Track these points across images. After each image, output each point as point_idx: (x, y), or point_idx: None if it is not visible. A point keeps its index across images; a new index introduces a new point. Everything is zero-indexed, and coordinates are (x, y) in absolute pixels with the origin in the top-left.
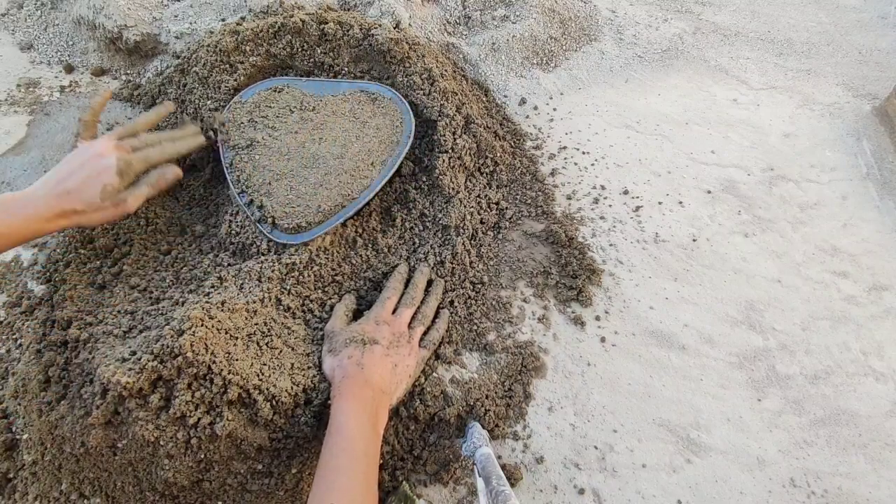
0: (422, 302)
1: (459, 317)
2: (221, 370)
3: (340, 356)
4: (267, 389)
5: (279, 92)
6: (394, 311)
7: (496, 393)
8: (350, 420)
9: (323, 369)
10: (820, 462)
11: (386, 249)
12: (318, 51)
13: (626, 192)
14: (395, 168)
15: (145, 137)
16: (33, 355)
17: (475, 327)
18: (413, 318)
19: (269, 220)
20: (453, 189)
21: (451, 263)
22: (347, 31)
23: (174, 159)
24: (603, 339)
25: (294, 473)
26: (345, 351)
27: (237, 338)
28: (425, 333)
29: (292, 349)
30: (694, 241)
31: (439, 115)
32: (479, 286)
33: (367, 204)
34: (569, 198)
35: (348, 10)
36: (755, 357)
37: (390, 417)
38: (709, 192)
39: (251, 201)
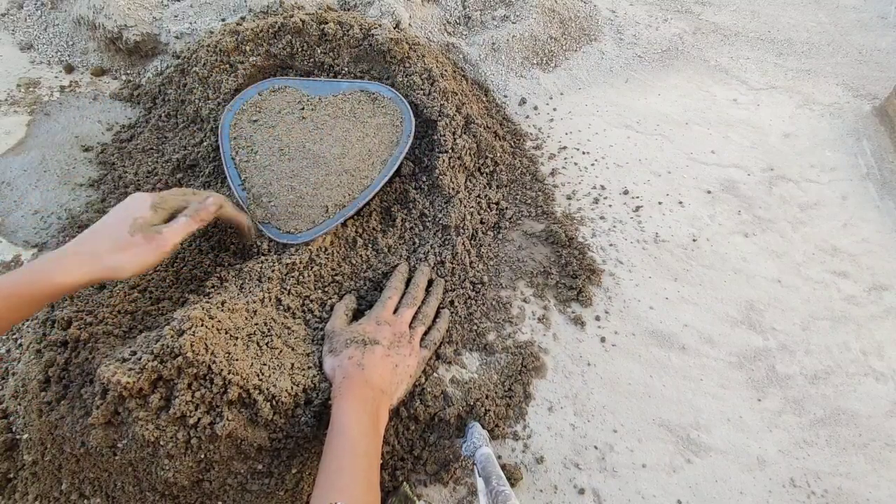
0: (422, 302)
1: (459, 317)
2: (221, 370)
3: (341, 356)
4: (267, 389)
5: (280, 92)
6: (395, 311)
7: (496, 393)
8: (351, 420)
9: (323, 369)
10: (820, 462)
11: (386, 249)
12: (318, 51)
13: (626, 192)
14: (395, 168)
15: (180, 189)
16: (33, 355)
17: (475, 327)
18: (414, 317)
19: (270, 219)
20: (453, 189)
21: (451, 263)
22: (347, 31)
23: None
24: (603, 339)
25: (294, 473)
26: (345, 351)
27: (237, 338)
28: (426, 333)
29: (292, 349)
30: (694, 241)
31: (439, 115)
32: (479, 286)
33: (368, 204)
34: (569, 198)
35: (348, 10)
36: (755, 357)
37: (390, 417)
38: (709, 192)
39: (252, 201)
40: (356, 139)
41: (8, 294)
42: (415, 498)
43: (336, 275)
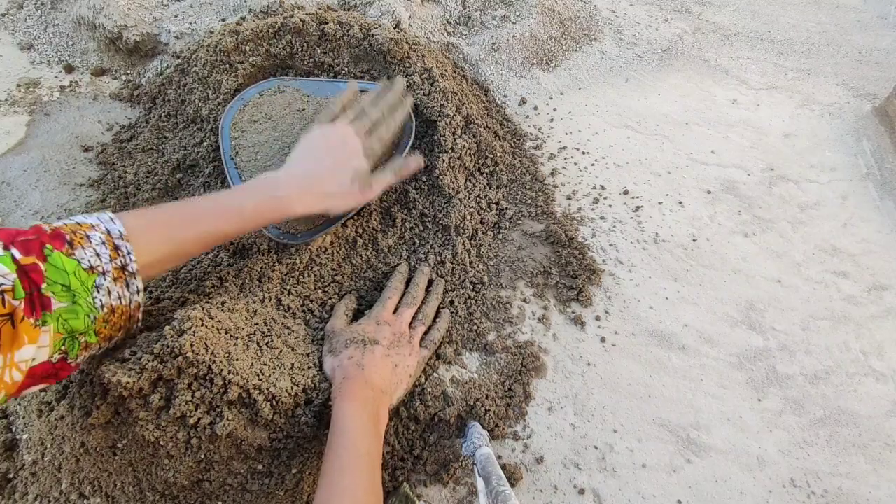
0: (423, 302)
1: (459, 317)
2: (221, 370)
3: (340, 357)
4: (267, 389)
5: (280, 92)
6: (395, 311)
7: (496, 393)
8: (352, 421)
9: (323, 369)
10: (820, 462)
11: (386, 249)
12: (318, 51)
13: (626, 192)
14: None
15: (372, 114)
16: None
17: (475, 327)
18: (414, 317)
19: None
20: (453, 189)
21: (451, 263)
22: (347, 31)
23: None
24: (603, 339)
25: (294, 473)
26: (345, 352)
27: (237, 338)
28: (426, 333)
29: (292, 349)
30: (694, 241)
31: (439, 115)
32: (479, 286)
33: (368, 204)
34: (569, 198)
35: (348, 10)
36: (755, 357)
37: (391, 418)
38: (709, 192)
39: None
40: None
41: (254, 214)
42: (415, 498)
43: (336, 275)
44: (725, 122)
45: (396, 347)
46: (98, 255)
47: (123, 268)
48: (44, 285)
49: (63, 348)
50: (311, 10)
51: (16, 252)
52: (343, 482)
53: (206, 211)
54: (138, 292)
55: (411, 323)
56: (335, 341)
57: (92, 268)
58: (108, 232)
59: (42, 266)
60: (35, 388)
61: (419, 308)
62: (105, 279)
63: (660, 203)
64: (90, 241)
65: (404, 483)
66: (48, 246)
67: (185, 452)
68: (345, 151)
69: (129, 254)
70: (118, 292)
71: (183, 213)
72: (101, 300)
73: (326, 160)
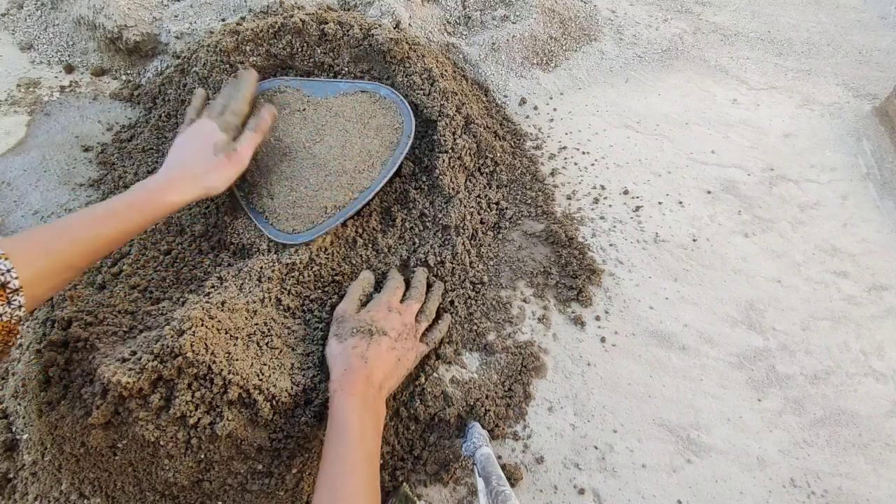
0: (425, 299)
1: (459, 317)
2: (221, 370)
3: (345, 344)
4: (267, 389)
5: (280, 93)
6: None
7: (496, 393)
8: (352, 419)
9: (326, 352)
10: (820, 462)
11: (386, 249)
12: (318, 51)
13: (626, 192)
14: (395, 168)
15: (217, 100)
16: (33, 355)
17: (475, 327)
18: (418, 313)
19: (271, 220)
20: (453, 189)
21: (451, 263)
22: (347, 31)
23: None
24: (603, 339)
25: (294, 473)
26: (350, 340)
27: (237, 338)
28: (428, 330)
29: (292, 349)
30: (694, 241)
31: (439, 115)
32: (479, 286)
33: (368, 204)
34: (569, 198)
35: (348, 10)
36: (755, 357)
37: (391, 417)
38: (709, 192)
39: (252, 202)
40: (356, 140)
41: (127, 211)
42: (415, 498)
43: (336, 275)
44: (725, 122)
45: (403, 340)
46: None
47: (4, 285)
48: None
49: None
50: (311, 10)
51: None
52: (343, 489)
53: (79, 219)
54: (20, 307)
55: (416, 317)
56: (343, 327)
57: None
58: None
59: None
60: None
61: (422, 305)
62: None
63: (660, 203)
64: None
65: (404, 483)
66: None
67: (185, 452)
68: (201, 135)
69: (8, 271)
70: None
71: (58, 225)
72: None
73: (187, 149)
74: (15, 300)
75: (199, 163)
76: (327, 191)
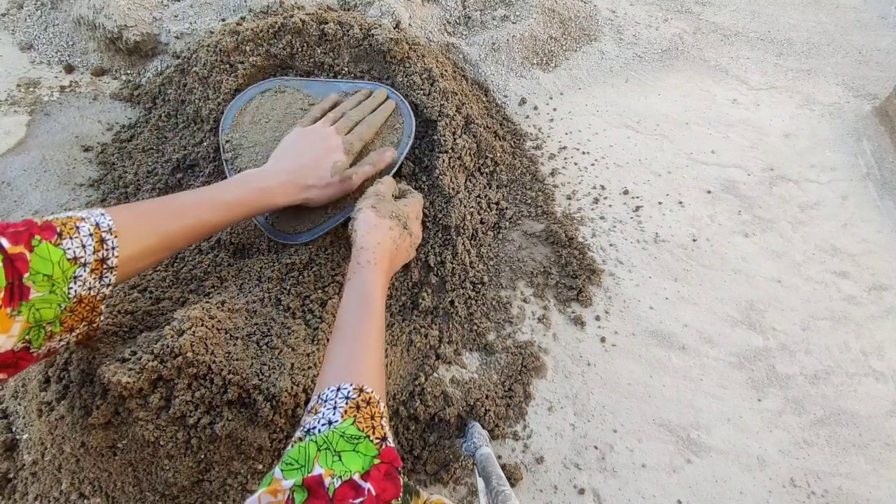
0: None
1: (459, 317)
2: (221, 370)
3: (383, 220)
4: (267, 389)
5: (280, 93)
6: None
7: (496, 393)
8: (378, 294)
9: (355, 215)
10: (820, 462)
11: None
12: (318, 51)
13: (626, 192)
14: (396, 169)
15: (352, 115)
16: None
17: (475, 327)
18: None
19: (272, 220)
20: (453, 189)
21: (451, 263)
22: (347, 31)
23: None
24: (603, 339)
25: None
26: (388, 221)
27: (237, 338)
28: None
29: (292, 349)
30: (694, 241)
31: (439, 115)
32: (479, 286)
33: None
34: (569, 198)
35: (348, 10)
36: (755, 357)
37: (390, 417)
38: (709, 192)
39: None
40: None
41: (236, 206)
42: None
43: (336, 275)
44: (725, 122)
45: (412, 249)
46: (83, 245)
47: (104, 260)
48: (26, 274)
49: (27, 337)
50: (311, 10)
51: (4, 241)
52: (364, 363)
53: (191, 204)
54: (108, 286)
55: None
56: (383, 204)
57: (75, 258)
58: (98, 224)
59: (28, 255)
60: None
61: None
62: (84, 270)
63: (660, 203)
64: (78, 232)
65: (403, 475)
66: (37, 237)
67: (185, 452)
68: (324, 147)
69: (113, 248)
70: (91, 283)
71: (169, 206)
72: (75, 290)
73: (307, 155)
74: (107, 277)
75: (313, 175)
76: None
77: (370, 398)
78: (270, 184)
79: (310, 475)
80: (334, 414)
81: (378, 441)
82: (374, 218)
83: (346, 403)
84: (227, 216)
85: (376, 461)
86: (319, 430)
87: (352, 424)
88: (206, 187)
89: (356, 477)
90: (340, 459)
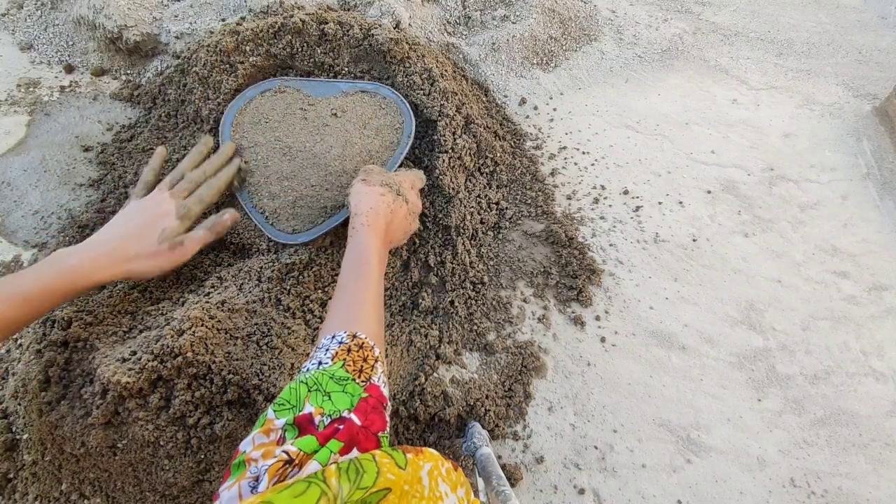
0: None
1: (459, 317)
2: (221, 370)
3: (373, 188)
4: (267, 389)
5: (280, 93)
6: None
7: (496, 393)
8: (374, 254)
9: (349, 192)
10: (820, 462)
11: None
12: (318, 51)
13: (626, 192)
14: (395, 168)
15: (192, 177)
16: (33, 355)
17: (475, 327)
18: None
19: (272, 220)
20: (453, 189)
21: (452, 263)
22: (347, 31)
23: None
24: (603, 339)
25: None
26: (378, 188)
27: (237, 338)
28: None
29: (292, 349)
30: (694, 241)
31: (439, 115)
32: (479, 286)
33: None
34: (569, 198)
35: (348, 10)
36: (755, 357)
37: (390, 417)
38: (709, 192)
39: (253, 201)
40: (357, 140)
41: (49, 287)
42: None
43: (336, 275)
44: (725, 122)
45: (412, 218)
46: None
47: None
48: None
49: None
50: (311, 10)
51: None
52: (363, 313)
53: None
54: None
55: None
56: (372, 175)
57: None
58: None
59: None
60: None
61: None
62: None
63: (660, 203)
64: None
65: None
66: None
67: (185, 453)
68: (153, 214)
69: None
70: None
71: None
72: None
73: (132, 224)
74: None
75: (136, 245)
76: (328, 191)
77: (363, 343)
78: (82, 260)
79: (301, 413)
80: (325, 356)
81: (363, 383)
82: (363, 187)
83: (339, 347)
84: (33, 310)
85: (364, 395)
86: (310, 371)
87: (341, 367)
88: (8, 278)
89: (345, 413)
90: (330, 398)
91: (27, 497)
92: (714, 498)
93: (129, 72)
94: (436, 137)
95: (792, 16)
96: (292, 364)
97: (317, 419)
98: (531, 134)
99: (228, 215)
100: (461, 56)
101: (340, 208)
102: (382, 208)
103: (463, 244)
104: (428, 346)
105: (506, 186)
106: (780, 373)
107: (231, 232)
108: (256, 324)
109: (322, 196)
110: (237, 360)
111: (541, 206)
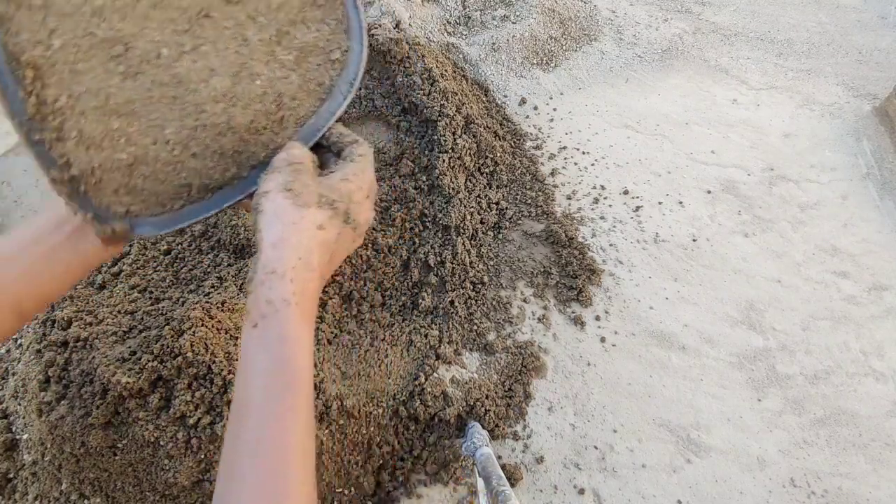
0: None
1: (459, 317)
2: (221, 370)
3: (305, 217)
4: None
5: None
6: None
7: (496, 393)
8: (306, 358)
9: (258, 204)
10: (820, 462)
11: (386, 249)
12: None
13: (626, 192)
14: (320, 135)
15: None
16: (33, 355)
17: (475, 327)
18: None
19: (85, 184)
20: (453, 189)
21: (451, 263)
22: None
23: None
24: (603, 339)
25: None
26: (315, 214)
27: (237, 338)
28: None
29: None
30: (694, 241)
31: (439, 115)
32: (479, 286)
33: None
34: (569, 198)
35: None
36: (755, 357)
37: (390, 417)
38: (709, 192)
39: (45, 145)
40: (260, 66)
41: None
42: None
43: (336, 275)
44: (725, 122)
45: (359, 239)
46: None
47: None
48: None
49: None
50: None
51: None
52: (311, 459)
53: None
54: None
55: None
56: (301, 180)
57: None
58: None
59: None
60: None
61: None
62: None
63: (660, 203)
64: None
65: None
66: None
67: (185, 453)
68: None
69: None
70: None
71: None
72: None
73: None
74: None
75: None
76: (195, 157)
77: None
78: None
79: None
80: None
81: None
82: (289, 210)
83: None
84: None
85: None
86: None
87: None
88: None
89: None
90: None
91: (27, 497)
92: (714, 498)
93: None
94: (436, 137)
95: (792, 16)
96: None
97: None
98: (531, 134)
99: None
100: (461, 56)
101: (210, 193)
102: (317, 258)
103: (463, 244)
104: (428, 346)
105: (506, 186)
106: (780, 373)
107: (231, 232)
108: None
109: (185, 164)
110: (237, 360)
111: (541, 206)
